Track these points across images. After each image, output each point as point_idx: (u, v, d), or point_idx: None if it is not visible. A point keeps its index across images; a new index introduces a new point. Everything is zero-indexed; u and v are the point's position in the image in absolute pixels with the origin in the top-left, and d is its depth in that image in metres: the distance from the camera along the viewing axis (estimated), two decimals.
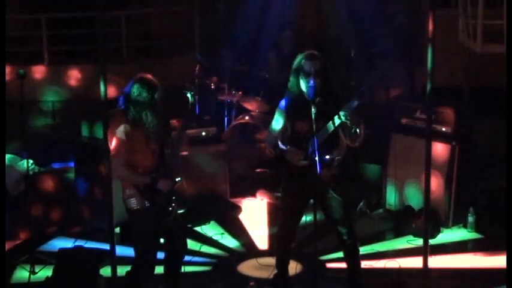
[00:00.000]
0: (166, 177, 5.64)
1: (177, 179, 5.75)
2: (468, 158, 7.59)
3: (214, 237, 7.61)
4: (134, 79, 5.65)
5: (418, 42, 9.98)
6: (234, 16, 10.49)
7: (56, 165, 8.81)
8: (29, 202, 7.07)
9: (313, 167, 5.45)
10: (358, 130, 5.68)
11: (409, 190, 7.79)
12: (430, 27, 6.37)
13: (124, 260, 6.21)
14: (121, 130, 5.54)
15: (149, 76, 5.69)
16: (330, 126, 5.63)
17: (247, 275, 6.74)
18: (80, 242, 7.35)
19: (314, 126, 5.50)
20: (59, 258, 6.69)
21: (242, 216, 8.15)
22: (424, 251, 6.70)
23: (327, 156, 5.73)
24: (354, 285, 6.12)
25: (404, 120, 7.96)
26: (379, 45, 9.97)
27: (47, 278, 6.50)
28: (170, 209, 5.71)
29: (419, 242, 7.02)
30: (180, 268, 6.05)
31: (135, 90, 5.58)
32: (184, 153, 7.83)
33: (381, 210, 8.08)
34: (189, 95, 6.05)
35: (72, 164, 8.14)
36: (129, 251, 6.00)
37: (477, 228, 7.53)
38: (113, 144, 5.61)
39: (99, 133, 7.54)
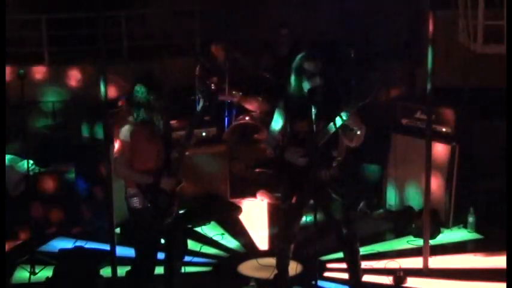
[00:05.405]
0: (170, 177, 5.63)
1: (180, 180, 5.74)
2: (468, 158, 7.59)
3: (215, 238, 7.61)
4: (137, 79, 5.63)
5: (418, 42, 9.98)
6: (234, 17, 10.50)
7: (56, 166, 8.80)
8: (29, 202, 7.06)
9: (313, 168, 5.44)
10: (358, 131, 5.68)
11: (410, 190, 7.79)
12: (430, 27, 6.36)
13: (124, 260, 6.20)
14: (125, 130, 5.52)
15: (153, 75, 5.67)
16: (331, 127, 5.61)
17: (247, 275, 6.74)
18: (80, 243, 7.34)
19: (314, 126, 5.49)
20: (59, 258, 6.71)
21: (242, 217, 8.15)
22: (424, 252, 6.70)
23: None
24: (355, 285, 6.13)
25: (404, 121, 7.96)
26: (379, 45, 9.97)
27: (47, 278, 6.51)
28: (171, 209, 5.70)
29: (419, 242, 7.02)
30: (180, 268, 6.05)
31: (139, 90, 5.56)
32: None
33: (381, 211, 8.07)
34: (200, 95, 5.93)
35: (72, 164, 8.13)
36: (129, 251, 6.00)
37: (477, 229, 7.53)
38: (117, 144, 5.59)
39: (99, 133, 7.56)
